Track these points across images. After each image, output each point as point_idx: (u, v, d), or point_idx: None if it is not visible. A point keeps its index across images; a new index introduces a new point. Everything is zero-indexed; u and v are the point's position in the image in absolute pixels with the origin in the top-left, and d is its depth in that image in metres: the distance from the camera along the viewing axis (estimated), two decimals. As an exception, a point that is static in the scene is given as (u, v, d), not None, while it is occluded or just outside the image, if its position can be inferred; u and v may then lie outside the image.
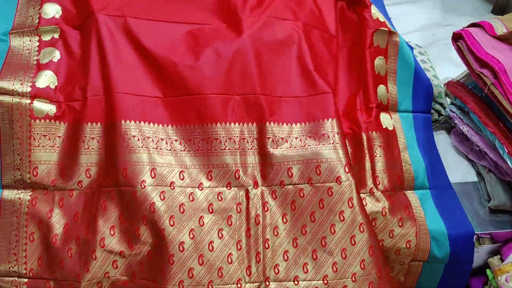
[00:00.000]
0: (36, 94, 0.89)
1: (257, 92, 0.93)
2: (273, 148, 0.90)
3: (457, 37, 1.00)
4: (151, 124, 0.89)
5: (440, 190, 0.99)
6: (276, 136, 0.91)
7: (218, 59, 0.93)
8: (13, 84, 0.88)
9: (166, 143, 0.89)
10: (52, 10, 0.97)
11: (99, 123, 0.90)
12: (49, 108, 0.90)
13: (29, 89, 0.89)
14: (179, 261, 0.81)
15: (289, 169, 0.88)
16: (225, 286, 0.84)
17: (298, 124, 0.92)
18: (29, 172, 0.87)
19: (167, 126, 0.90)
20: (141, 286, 0.83)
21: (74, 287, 0.82)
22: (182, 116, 0.91)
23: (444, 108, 1.11)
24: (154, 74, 0.93)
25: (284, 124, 0.92)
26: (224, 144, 0.90)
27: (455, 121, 1.05)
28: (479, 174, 1.03)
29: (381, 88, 1.03)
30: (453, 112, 1.06)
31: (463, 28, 1.01)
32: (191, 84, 0.91)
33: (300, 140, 0.91)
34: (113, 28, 0.93)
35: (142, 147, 0.86)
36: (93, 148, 0.89)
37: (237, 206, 0.87)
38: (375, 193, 0.92)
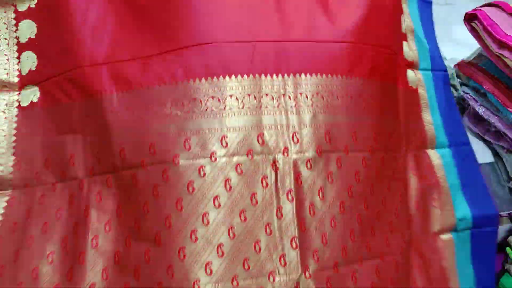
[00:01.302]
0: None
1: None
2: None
3: (470, 18, 0.98)
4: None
5: (458, 147, 0.96)
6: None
7: None
8: None
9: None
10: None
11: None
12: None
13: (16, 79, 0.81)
14: (192, 255, 0.64)
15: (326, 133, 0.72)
16: (254, 280, 0.65)
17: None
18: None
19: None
20: None
21: None
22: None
23: (457, 89, 1.10)
24: None
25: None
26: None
27: (470, 103, 1.04)
28: (496, 154, 1.04)
29: (404, 45, 0.97)
30: (467, 93, 1.05)
31: (477, 8, 0.99)
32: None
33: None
34: None
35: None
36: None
37: (262, 180, 0.69)
38: None
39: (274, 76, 0.73)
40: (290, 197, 0.68)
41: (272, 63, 0.74)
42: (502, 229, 1.00)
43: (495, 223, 0.92)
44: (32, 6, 0.84)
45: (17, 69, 0.82)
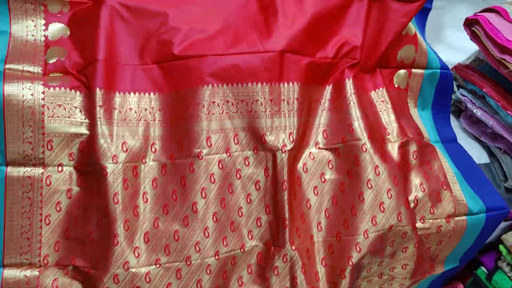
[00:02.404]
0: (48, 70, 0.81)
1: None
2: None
3: (470, 23, 1.02)
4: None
5: (448, 143, 1.01)
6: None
7: None
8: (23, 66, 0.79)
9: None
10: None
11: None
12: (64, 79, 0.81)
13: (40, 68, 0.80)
14: (213, 232, 0.79)
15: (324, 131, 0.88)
16: (256, 248, 0.83)
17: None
18: (43, 146, 0.77)
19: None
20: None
21: (95, 276, 0.74)
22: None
23: (454, 92, 1.13)
24: None
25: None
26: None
27: (468, 105, 1.08)
28: (492, 155, 1.08)
29: (410, 48, 0.99)
30: (464, 96, 1.09)
31: (477, 13, 1.02)
32: None
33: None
34: None
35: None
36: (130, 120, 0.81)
37: (264, 171, 0.84)
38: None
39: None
40: (284, 186, 0.82)
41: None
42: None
43: None
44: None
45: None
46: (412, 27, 0.99)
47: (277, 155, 0.82)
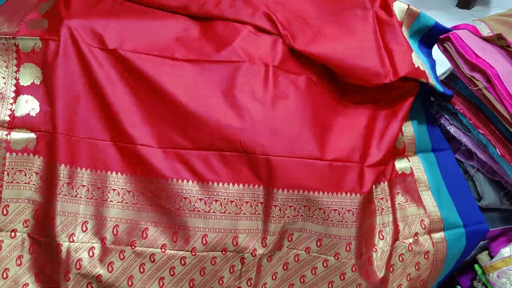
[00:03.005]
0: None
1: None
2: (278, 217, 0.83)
3: (443, 39, 1.00)
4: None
5: (473, 226, 0.97)
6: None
7: None
8: None
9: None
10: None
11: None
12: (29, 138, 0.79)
13: (7, 118, 0.78)
14: None
15: (290, 235, 0.85)
16: None
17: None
18: None
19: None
20: None
21: None
22: None
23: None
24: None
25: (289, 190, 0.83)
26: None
27: (441, 121, 1.06)
28: (466, 173, 1.05)
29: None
30: (439, 112, 1.07)
31: (449, 29, 1.01)
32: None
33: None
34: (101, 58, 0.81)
35: None
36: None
37: (230, 268, 0.83)
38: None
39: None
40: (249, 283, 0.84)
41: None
42: (472, 246, 1.02)
43: None
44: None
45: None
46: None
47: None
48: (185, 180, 0.80)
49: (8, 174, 0.76)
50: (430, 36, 1.01)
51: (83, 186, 0.78)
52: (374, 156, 0.89)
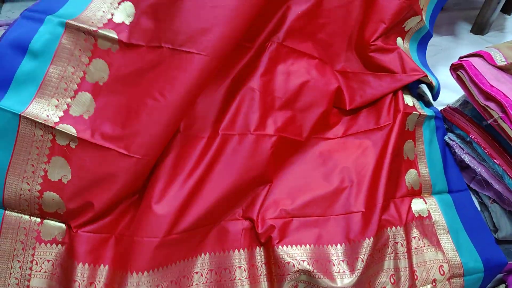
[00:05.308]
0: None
1: None
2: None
3: (456, 67, 0.99)
4: None
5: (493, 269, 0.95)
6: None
7: None
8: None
9: None
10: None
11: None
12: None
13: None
14: None
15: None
16: None
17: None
18: None
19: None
20: None
21: None
22: None
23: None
24: None
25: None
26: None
27: (456, 150, 1.04)
28: (482, 203, 1.03)
29: (411, 173, 0.98)
30: (453, 140, 1.05)
31: (462, 58, 1.00)
32: None
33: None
34: None
35: None
36: None
37: None
38: None
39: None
40: None
41: None
42: (488, 279, 0.98)
43: None
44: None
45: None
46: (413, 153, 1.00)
47: None
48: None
49: (36, 264, 0.80)
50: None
51: None
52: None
